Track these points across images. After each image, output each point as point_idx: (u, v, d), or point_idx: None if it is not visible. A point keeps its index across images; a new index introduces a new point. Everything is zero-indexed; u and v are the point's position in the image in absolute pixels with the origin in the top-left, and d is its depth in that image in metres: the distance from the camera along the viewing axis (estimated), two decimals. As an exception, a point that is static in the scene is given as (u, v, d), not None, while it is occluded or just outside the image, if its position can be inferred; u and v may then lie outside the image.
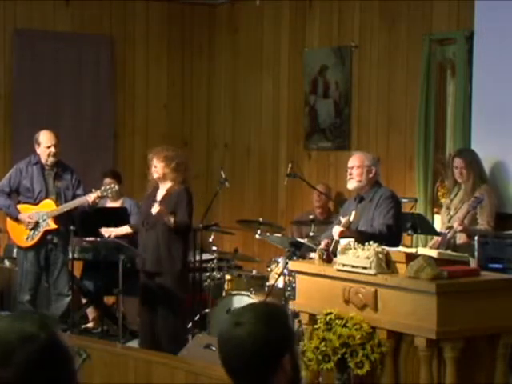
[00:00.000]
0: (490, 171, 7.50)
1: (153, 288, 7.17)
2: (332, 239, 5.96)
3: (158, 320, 7.14)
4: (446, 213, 7.34)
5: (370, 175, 6.24)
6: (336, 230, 6.01)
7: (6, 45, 9.34)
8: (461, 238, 6.99)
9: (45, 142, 7.59)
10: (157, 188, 7.29)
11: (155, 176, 7.21)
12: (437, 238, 7.16)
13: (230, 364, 2.24)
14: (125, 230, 8.20)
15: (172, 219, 7.06)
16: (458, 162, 7.26)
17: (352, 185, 6.32)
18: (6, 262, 8.72)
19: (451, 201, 7.33)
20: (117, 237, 7.92)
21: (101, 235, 7.93)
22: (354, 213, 6.06)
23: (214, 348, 6.08)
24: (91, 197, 7.46)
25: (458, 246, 6.78)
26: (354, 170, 6.25)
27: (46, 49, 9.50)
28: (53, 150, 7.57)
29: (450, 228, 6.89)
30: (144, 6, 10.10)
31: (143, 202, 7.50)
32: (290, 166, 8.41)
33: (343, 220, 6.04)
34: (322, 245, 6.04)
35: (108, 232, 8.05)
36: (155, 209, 7.05)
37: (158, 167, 7.17)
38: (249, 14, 10.01)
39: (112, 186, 7.70)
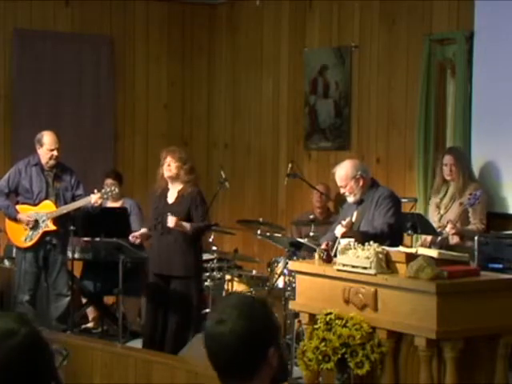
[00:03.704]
0: (489, 171, 7.51)
1: (166, 291, 7.13)
2: (334, 240, 5.96)
3: (169, 323, 7.10)
4: (436, 211, 7.33)
5: (361, 183, 6.22)
6: (338, 231, 6.02)
7: (6, 45, 9.33)
8: (454, 239, 7.00)
9: (48, 144, 7.54)
10: (166, 189, 7.25)
11: (167, 174, 7.17)
12: (425, 237, 7.17)
13: (216, 360, 2.30)
14: (143, 231, 8.12)
15: (189, 227, 7.06)
16: (447, 158, 7.27)
17: (350, 199, 6.33)
18: (6, 262, 8.70)
19: (441, 200, 7.33)
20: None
21: (99, 235, 7.90)
22: (355, 213, 6.08)
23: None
24: (93, 198, 7.43)
25: (451, 247, 6.77)
26: (343, 189, 6.27)
27: (45, 49, 9.48)
28: (55, 153, 7.54)
29: (443, 228, 6.90)
30: (144, 6, 10.09)
31: (153, 203, 7.35)
32: (290, 166, 8.42)
33: (345, 221, 6.05)
34: (323, 246, 6.04)
35: (134, 237, 7.95)
36: (171, 222, 7.00)
37: (172, 166, 7.14)
38: (249, 13, 10.00)
39: (112, 188, 7.66)
